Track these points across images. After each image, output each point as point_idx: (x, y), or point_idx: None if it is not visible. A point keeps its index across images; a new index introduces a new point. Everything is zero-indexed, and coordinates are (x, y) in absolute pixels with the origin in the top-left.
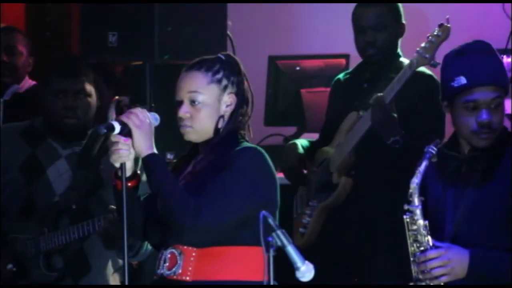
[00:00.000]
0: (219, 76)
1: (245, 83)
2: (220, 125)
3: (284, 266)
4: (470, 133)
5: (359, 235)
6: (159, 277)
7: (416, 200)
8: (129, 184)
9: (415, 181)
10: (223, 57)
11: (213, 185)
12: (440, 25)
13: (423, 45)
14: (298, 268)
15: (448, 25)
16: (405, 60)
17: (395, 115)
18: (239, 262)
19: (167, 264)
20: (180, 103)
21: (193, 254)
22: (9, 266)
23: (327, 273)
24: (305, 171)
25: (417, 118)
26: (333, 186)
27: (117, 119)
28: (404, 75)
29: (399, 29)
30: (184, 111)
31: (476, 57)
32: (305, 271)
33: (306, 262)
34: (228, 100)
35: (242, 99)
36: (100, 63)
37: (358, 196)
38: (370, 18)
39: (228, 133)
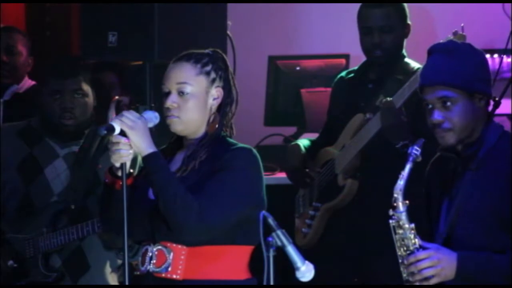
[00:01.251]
0: (208, 68)
1: (232, 79)
2: (212, 120)
3: (284, 266)
4: (432, 132)
5: (361, 236)
6: (145, 274)
7: (401, 205)
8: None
9: (399, 186)
10: (210, 52)
11: (213, 185)
12: (455, 33)
13: None
14: (298, 268)
15: (464, 34)
16: (410, 61)
17: (405, 119)
18: (229, 262)
19: (154, 261)
20: (168, 93)
21: (183, 252)
22: (10, 262)
23: (327, 273)
24: (307, 171)
25: (422, 119)
26: (338, 188)
27: (109, 125)
28: (416, 81)
29: (405, 30)
30: (172, 101)
31: (434, 58)
32: (305, 271)
33: (306, 262)
34: (215, 93)
35: (229, 94)
36: (118, 64)
37: (361, 197)
38: (377, 19)
39: (219, 130)
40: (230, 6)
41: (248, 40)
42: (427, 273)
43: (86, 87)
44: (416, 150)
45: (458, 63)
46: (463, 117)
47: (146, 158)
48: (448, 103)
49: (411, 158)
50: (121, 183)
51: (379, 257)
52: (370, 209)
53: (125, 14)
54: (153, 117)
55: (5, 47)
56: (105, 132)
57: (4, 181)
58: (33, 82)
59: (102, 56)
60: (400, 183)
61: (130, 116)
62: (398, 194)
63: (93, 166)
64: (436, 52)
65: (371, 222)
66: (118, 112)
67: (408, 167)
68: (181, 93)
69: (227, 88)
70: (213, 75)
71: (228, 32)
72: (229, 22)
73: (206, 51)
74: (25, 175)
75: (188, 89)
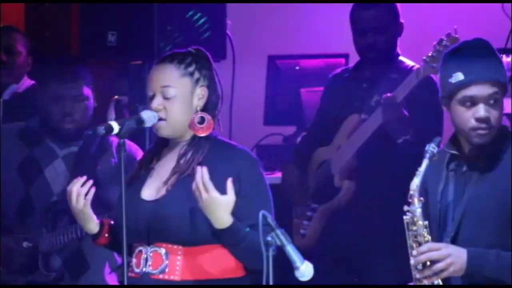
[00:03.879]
0: (191, 69)
1: (216, 77)
2: (207, 122)
3: (283, 265)
4: (468, 130)
5: (359, 236)
6: (140, 276)
7: (416, 202)
8: (100, 242)
9: (416, 182)
10: (193, 51)
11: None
12: (448, 35)
13: (430, 54)
14: (297, 268)
15: (456, 36)
16: (403, 59)
17: (407, 114)
18: (225, 260)
19: (150, 262)
20: (152, 96)
21: (179, 252)
22: (25, 243)
23: (327, 273)
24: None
25: (416, 119)
26: (334, 189)
27: (108, 124)
28: (410, 83)
29: (398, 29)
30: (157, 104)
31: (473, 54)
32: (305, 271)
33: (306, 261)
34: (200, 93)
35: (214, 93)
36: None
37: (359, 198)
38: (370, 20)
39: (209, 131)
40: (230, 5)
41: (248, 40)
42: (437, 268)
43: (87, 91)
44: (433, 148)
45: (498, 61)
46: (501, 116)
47: (223, 231)
48: (492, 101)
49: (427, 155)
50: (98, 241)
51: (378, 257)
52: (368, 209)
53: (125, 13)
54: (151, 117)
55: (5, 46)
56: (104, 131)
57: (4, 181)
58: (32, 82)
59: (102, 55)
60: (416, 180)
61: (200, 197)
62: (414, 190)
63: (92, 167)
64: (470, 49)
65: (369, 223)
66: (117, 111)
67: (424, 164)
68: (165, 95)
69: (212, 87)
70: (197, 75)
71: (228, 31)
72: (228, 22)
73: (189, 49)
74: (25, 176)
75: (172, 91)
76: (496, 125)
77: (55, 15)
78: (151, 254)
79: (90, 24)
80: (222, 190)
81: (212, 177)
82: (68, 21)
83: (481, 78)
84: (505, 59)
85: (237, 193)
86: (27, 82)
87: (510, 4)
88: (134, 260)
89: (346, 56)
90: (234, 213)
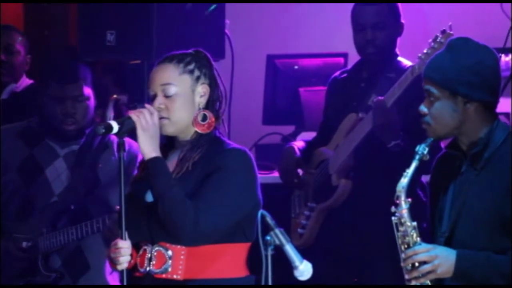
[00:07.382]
0: (190, 67)
1: (218, 77)
2: (207, 119)
3: (282, 265)
4: None
5: (358, 235)
6: (144, 275)
7: (403, 203)
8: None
9: (403, 183)
10: (193, 52)
11: (208, 190)
12: (443, 32)
13: (425, 51)
14: (296, 267)
15: (451, 32)
16: (402, 59)
17: (397, 119)
18: (229, 260)
19: (154, 262)
20: (154, 96)
21: (182, 252)
22: (24, 243)
23: (326, 273)
24: (301, 173)
25: (414, 118)
26: (332, 188)
27: (126, 115)
28: (406, 81)
29: (398, 29)
30: (159, 103)
31: (440, 51)
32: (303, 270)
33: (304, 261)
34: (202, 90)
35: (216, 90)
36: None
37: (357, 197)
38: (371, 16)
39: (213, 130)
40: (228, 5)
41: (246, 39)
42: (424, 270)
43: (87, 91)
44: (423, 149)
45: (448, 62)
46: (440, 116)
47: (149, 162)
48: (431, 98)
49: (417, 157)
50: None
51: (374, 256)
52: (365, 208)
53: (123, 12)
54: None
55: (3, 46)
56: (103, 131)
57: (5, 182)
58: (31, 81)
59: (100, 55)
60: (404, 180)
61: (147, 116)
62: (401, 191)
63: (93, 166)
64: (445, 46)
65: (366, 221)
66: (116, 111)
67: (413, 165)
68: (166, 94)
69: (213, 85)
70: (197, 73)
71: (226, 31)
72: (227, 21)
73: (189, 51)
74: (26, 176)
75: (173, 89)
76: (432, 124)
77: (54, 14)
78: (155, 254)
79: (88, 24)
80: (199, 180)
81: (195, 171)
82: (67, 21)
83: (422, 73)
84: (504, 58)
85: (202, 174)
86: (25, 81)
87: (510, 4)
88: (138, 260)
89: (345, 55)
90: (189, 187)
